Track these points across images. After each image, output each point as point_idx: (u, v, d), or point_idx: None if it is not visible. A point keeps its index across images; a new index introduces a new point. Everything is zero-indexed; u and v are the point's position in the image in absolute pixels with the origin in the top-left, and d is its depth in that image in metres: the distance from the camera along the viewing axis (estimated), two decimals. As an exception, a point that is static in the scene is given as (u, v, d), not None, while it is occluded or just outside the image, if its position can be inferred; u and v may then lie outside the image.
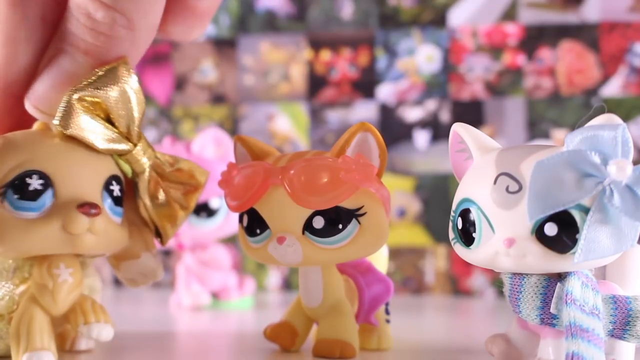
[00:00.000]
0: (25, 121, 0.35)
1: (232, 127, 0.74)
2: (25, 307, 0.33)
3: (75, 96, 0.32)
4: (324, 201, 0.33)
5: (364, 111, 0.72)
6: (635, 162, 0.26)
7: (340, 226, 0.34)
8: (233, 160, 0.38)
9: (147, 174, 0.35)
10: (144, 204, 0.36)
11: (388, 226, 0.35)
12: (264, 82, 0.74)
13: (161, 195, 0.37)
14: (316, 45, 0.73)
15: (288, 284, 0.72)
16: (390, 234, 0.36)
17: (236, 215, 0.37)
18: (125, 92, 0.33)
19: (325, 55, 0.73)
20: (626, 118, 0.66)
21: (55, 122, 0.33)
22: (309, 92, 0.73)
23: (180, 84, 0.76)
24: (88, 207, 0.32)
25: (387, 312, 0.39)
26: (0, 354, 0.35)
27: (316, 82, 0.73)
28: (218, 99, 0.75)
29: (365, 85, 0.72)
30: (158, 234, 0.38)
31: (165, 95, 0.76)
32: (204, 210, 0.57)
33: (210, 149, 0.58)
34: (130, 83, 0.33)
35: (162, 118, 0.76)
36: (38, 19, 0.34)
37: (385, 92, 0.71)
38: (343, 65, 0.72)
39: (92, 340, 0.37)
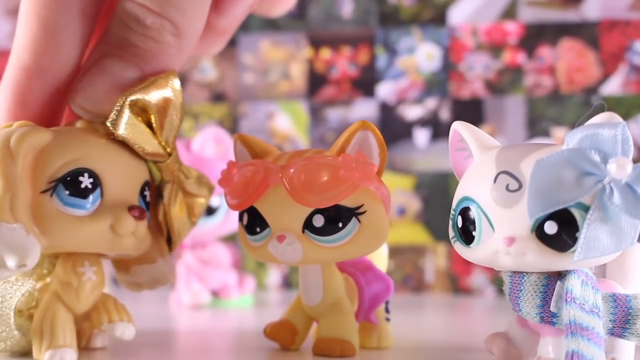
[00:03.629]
0: (59, 112, 0.36)
1: (232, 125, 0.74)
2: (48, 304, 0.34)
3: (129, 100, 0.33)
4: (323, 200, 0.33)
5: (364, 109, 0.72)
6: (635, 161, 0.26)
7: (340, 225, 0.34)
8: (233, 158, 0.38)
9: (171, 182, 0.36)
10: (164, 211, 0.37)
11: (388, 225, 0.35)
12: (263, 81, 0.74)
13: (181, 204, 0.37)
14: (316, 43, 0.73)
15: (288, 283, 0.72)
16: (390, 232, 0.36)
17: (236, 214, 0.37)
18: (171, 102, 0.35)
19: (325, 53, 0.73)
20: (626, 116, 0.66)
21: (108, 123, 0.33)
22: (309, 90, 0.73)
23: (180, 82, 0.76)
24: (137, 210, 0.33)
25: (387, 310, 0.39)
26: (22, 349, 0.35)
27: (316, 81, 0.73)
28: (218, 97, 0.75)
29: (365, 83, 0.72)
30: (169, 241, 0.38)
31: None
32: (204, 208, 0.57)
33: (210, 147, 0.58)
34: (177, 94, 0.35)
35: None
36: (78, 11, 0.34)
37: (385, 90, 0.71)
38: (343, 64, 0.72)
39: (107, 338, 0.38)
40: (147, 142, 0.34)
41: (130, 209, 0.33)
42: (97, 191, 0.33)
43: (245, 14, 0.39)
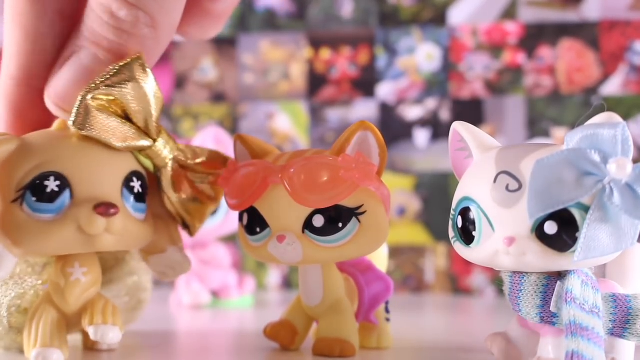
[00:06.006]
0: (50, 115, 0.36)
1: (232, 125, 0.74)
2: (39, 304, 0.34)
3: (90, 95, 0.32)
4: (323, 200, 0.33)
5: (364, 110, 0.72)
6: (635, 161, 0.26)
7: (340, 225, 0.34)
8: (233, 158, 0.38)
9: (169, 167, 0.36)
10: (168, 198, 0.36)
11: (388, 225, 0.35)
12: (264, 81, 0.74)
13: (185, 187, 0.37)
14: (316, 43, 0.73)
15: (288, 283, 0.72)
16: (390, 232, 0.36)
17: (236, 214, 0.37)
18: (141, 87, 0.33)
19: (325, 53, 0.73)
20: (626, 116, 0.66)
21: (70, 123, 0.33)
22: (309, 90, 0.73)
23: (180, 82, 0.76)
24: (105, 208, 0.32)
25: (387, 310, 0.39)
26: (19, 347, 0.36)
27: (316, 81, 0.73)
28: (218, 97, 0.75)
29: (365, 83, 0.72)
30: (186, 226, 0.37)
31: (165, 93, 0.76)
32: (204, 209, 0.56)
33: (210, 147, 0.58)
34: (145, 78, 0.33)
35: (162, 116, 0.76)
36: (57, 14, 0.34)
37: (385, 90, 0.71)
38: (343, 64, 0.72)
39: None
40: (123, 134, 0.33)
41: (97, 206, 0.32)
42: (66, 193, 0.32)
43: None
